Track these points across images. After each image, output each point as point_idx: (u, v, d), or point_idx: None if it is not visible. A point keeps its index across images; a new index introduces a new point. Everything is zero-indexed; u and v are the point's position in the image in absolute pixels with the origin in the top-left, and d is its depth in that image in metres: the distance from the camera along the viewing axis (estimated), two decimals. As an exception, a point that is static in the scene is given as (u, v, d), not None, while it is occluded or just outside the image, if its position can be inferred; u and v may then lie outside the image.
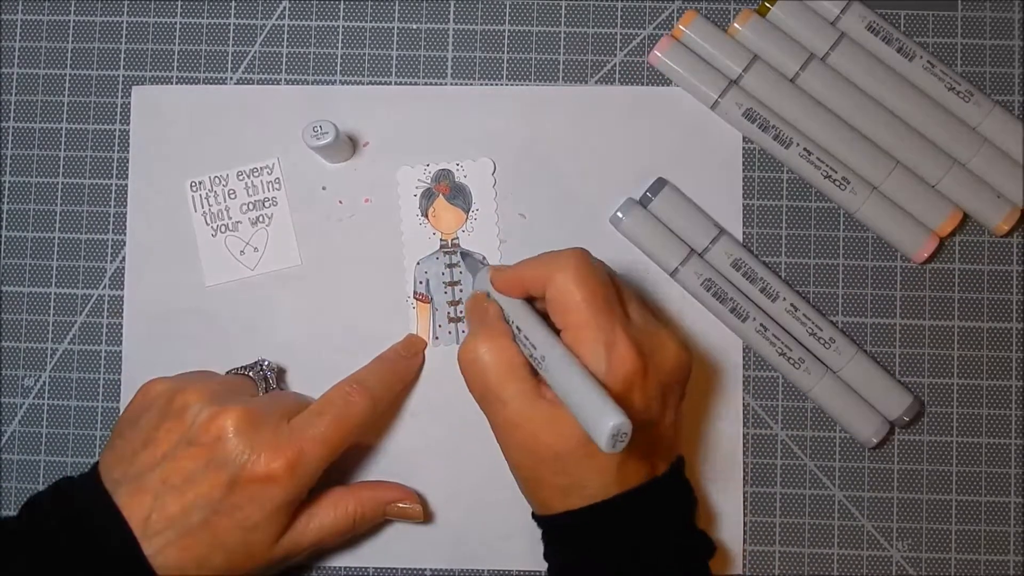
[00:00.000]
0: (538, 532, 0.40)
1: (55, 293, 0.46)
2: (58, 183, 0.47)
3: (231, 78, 0.47)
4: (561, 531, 0.39)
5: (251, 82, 0.47)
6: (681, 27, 0.46)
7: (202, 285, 0.46)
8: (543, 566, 0.40)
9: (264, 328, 0.45)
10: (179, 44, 0.47)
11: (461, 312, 0.45)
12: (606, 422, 0.32)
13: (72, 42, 0.47)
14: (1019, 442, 0.45)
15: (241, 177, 0.46)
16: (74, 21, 0.47)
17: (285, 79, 0.47)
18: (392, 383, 0.43)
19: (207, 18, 0.47)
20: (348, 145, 0.45)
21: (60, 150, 0.47)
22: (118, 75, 0.47)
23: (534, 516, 0.40)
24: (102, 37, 0.47)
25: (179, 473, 0.37)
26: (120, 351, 0.46)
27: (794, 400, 0.45)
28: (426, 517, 0.44)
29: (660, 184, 0.45)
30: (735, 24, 0.46)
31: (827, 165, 0.44)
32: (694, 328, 0.45)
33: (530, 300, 0.40)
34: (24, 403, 0.46)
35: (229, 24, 0.47)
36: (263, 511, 0.38)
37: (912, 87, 0.45)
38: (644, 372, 0.36)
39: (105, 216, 0.46)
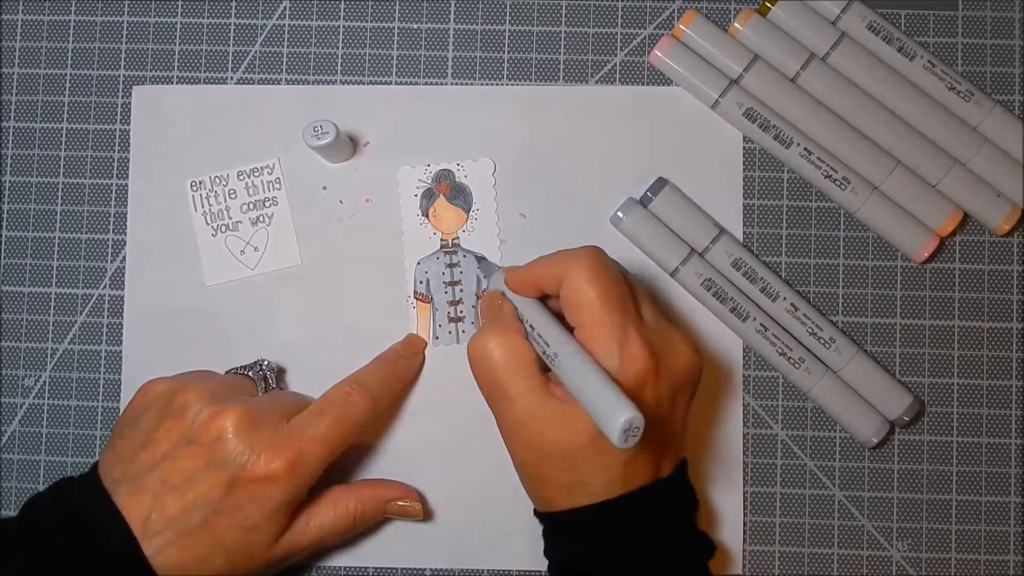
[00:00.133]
0: (538, 531, 0.40)
1: (55, 293, 0.46)
2: (58, 183, 0.47)
3: (231, 78, 0.47)
4: (564, 529, 0.38)
5: (252, 82, 0.47)
6: (681, 27, 0.46)
7: (202, 285, 0.46)
8: (543, 565, 0.40)
9: (264, 328, 0.45)
10: (179, 44, 0.47)
11: (461, 312, 0.45)
12: (618, 416, 0.32)
13: (73, 42, 0.47)
14: (1019, 442, 0.45)
15: (241, 177, 0.46)
16: (75, 21, 0.47)
17: (285, 79, 0.47)
18: (392, 383, 0.43)
19: (207, 18, 0.47)
20: (348, 145, 0.45)
21: (60, 150, 0.47)
22: (119, 75, 0.47)
23: (536, 513, 0.40)
24: (103, 37, 0.47)
25: (179, 473, 0.37)
26: (120, 351, 0.46)
27: (794, 400, 0.45)
28: (426, 516, 0.44)
29: (660, 184, 0.45)
30: (736, 24, 0.46)
31: (827, 165, 0.44)
32: (694, 328, 0.45)
33: (544, 300, 0.40)
34: (24, 403, 0.46)
35: (229, 24, 0.47)
36: (263, 511, 0.38)
37: (913, 87, 0.45)
38: (656, 372, 0.36)
39: (105, 216, 0.46)
